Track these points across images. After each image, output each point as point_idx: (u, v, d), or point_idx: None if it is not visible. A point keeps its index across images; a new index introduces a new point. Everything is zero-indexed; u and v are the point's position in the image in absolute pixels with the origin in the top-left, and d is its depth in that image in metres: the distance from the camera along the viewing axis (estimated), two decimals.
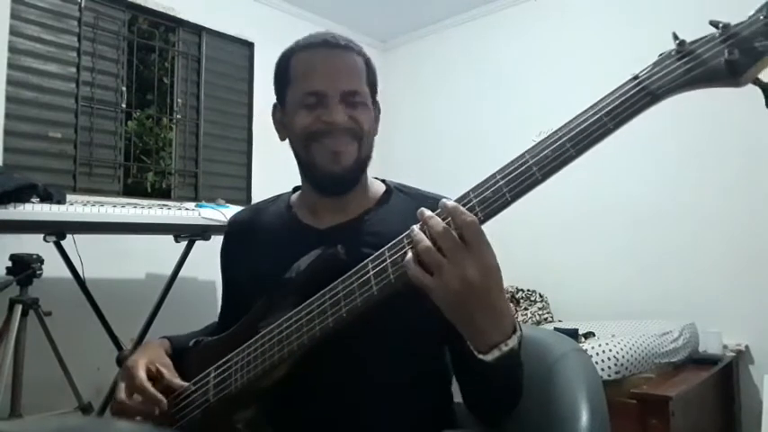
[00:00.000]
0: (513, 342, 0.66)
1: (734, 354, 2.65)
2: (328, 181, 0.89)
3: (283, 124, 0.94)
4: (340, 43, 0.90)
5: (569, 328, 2.33)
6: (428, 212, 0.66)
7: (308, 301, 0.75)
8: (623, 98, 0.63)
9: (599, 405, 0.81)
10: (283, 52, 0.93)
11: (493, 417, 0.82)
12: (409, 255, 0.66)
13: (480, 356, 0.66)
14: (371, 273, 0.70)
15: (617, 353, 2.10)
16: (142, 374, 0.84)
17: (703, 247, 2.82)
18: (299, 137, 0.89)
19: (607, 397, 0.85)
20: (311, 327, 0.73)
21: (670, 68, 0.62)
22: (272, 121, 0.97)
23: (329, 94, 0.88)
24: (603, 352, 2.09)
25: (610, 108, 0.63)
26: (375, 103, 0.95)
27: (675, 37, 0.63)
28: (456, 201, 0.67)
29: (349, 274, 0.72)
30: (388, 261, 0.69)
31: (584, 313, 2.68)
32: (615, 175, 3.07)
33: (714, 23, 0.62)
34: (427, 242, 0.64)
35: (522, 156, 0.66)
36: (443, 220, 0.65)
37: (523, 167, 0.65)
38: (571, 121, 0.65)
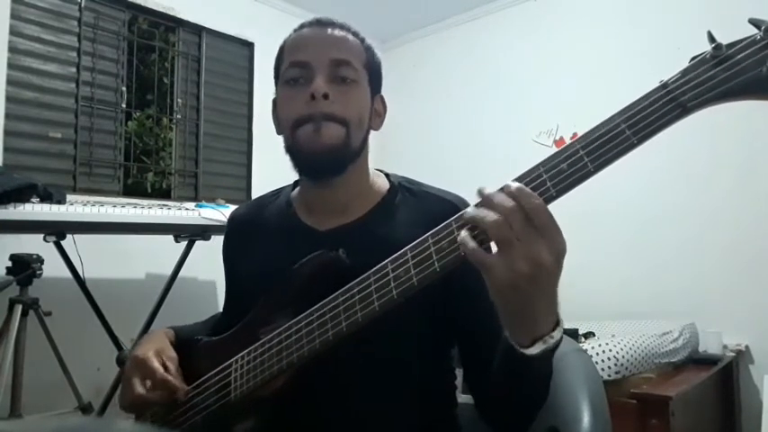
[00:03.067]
0: (557, 334, 0.61)
1: (734, 354, 2.64)
2: (309, 161, 0.83)
3: (277, 115, 0.89)
4: (334, 22, 0.87)
5: (569, 328, 2.33)
6: (489, 189, 0.59)
7: (310, 310, 0.72)
8: (649, 110, 0.55)
9: (600, 405, 0.81)
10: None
11: (510, 423, 0.76)
12: (463, 233, 0.58)
13: (523, 350, 0.60)
14: (392, 275, 0.64)
15: (617, 353, 2.10)
16: (158, 365, 0.81)
17: (703, 247, 2.81)
18: (285, 125, 0.84)
19: (607, 397, 0.85)
20: (311, 338, 0.70)
21: (704, 77, 0.53)
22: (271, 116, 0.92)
23: (313, 64, 0.81)
24: (603, 352, 2.09)
25: (633, 121, 0.55)
26: (375, 94, 0.89)
27: (711, 38, 0.53)
28: (462, 214, 0.61)
29: (360, 279, 0.67)
30: (411, 263, 0.63)
31: (584, 313, 2.68)
32: (615, 176, 3.04)
33: (755, 22, 0.52)
34: (497, 216, 0.56)
35: (536, 168, 0.59)
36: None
37: (537, 182, 0.58)
38: (590, 132, 0.57)
